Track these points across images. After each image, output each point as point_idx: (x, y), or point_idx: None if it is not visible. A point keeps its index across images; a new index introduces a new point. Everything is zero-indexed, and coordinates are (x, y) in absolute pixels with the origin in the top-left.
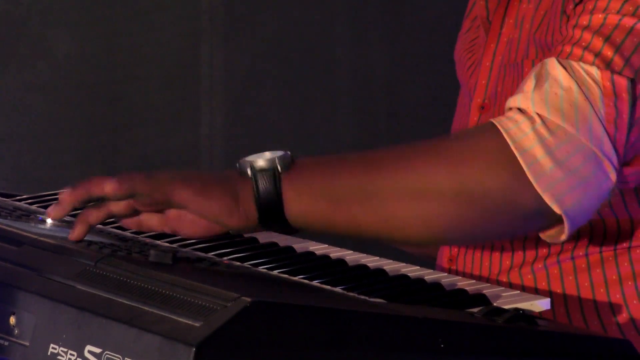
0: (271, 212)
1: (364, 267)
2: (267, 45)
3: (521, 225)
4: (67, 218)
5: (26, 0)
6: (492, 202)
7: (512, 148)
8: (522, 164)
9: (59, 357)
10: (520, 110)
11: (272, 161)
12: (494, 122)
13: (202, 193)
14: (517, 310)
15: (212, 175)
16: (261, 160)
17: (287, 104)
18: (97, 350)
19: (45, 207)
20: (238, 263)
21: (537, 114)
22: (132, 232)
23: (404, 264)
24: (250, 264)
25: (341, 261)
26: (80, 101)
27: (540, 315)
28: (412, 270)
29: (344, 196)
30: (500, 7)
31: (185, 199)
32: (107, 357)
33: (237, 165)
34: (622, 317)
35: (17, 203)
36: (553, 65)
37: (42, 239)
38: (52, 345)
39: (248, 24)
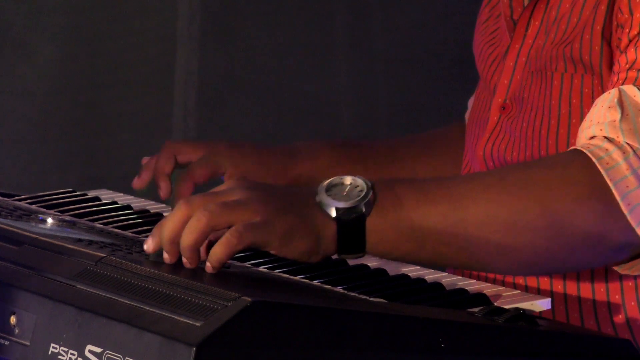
0: (353, 252)
1: (364, 267)
2: (243, 51)
3: (606, 257)
4: (67, 218)
5: (11, 5)
6: (582, 235)
7: (605, 178)
8: (615, 195)
9: (60, 357)
10: (607, 139)
11: (356, 202)
12: (583, 150)
13: (287, 241)
14: (517, 310)
15: (297, 212)
16: (345, 202)
17: (261, 111)
18: (98, 349)
19: (46, 207)
20: (238, 263)
21: (628, 143)
22: (132, 232)
23: (404, 263)
24: (250, 264)
25: (341, 261)
26: (60, 106)
27: (541, 315)
28: (412, 270)
29: (430, 237)
30: (527, 9)
31: (270, 246)
32: (107, 357)
33: (317, 197)
34: (619, 318)
35: (18, 203)
36: (634, 93)
37: (42, 238)
38: (52, 344)
39: (224, 30)
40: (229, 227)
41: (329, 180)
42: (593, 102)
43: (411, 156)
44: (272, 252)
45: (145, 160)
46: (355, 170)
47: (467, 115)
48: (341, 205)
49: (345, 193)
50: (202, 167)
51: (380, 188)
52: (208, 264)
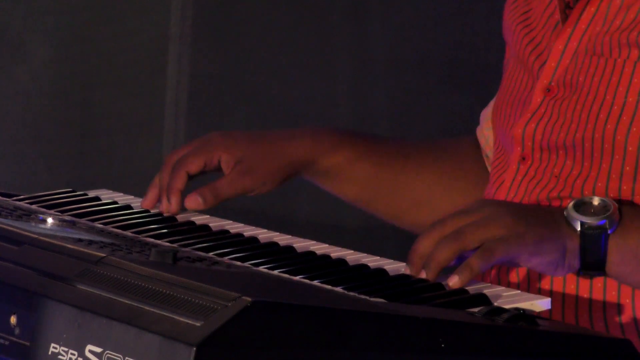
0: (594, 268)
1: (364, 267)
2: (236, 52)
3: None
4: (67, 218)
5: (7, 6)
6: None
7: None
8: None
9: (60, 357)
10: None
11: (600, 219)
12: None
13: (535, 253)
14: (517, 310)
15: (544, 224)
16: (591, 218)
17: (254, 112)
18: (98, 349)
19: (46, 207)
20: (239, 263)
21: None
22: (132, 232)
23: (405, 263)
24: (250, 264)
25: (342, 261)
26: (53, 106)
27: (540, 315)
28: None
29: None
30: None
31: (520, 258)
32: (107, 357)
33: (565, 212)
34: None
35: (18, 203)
36: None
37: (42, 238)
38: (52, 344)
39: (217, 31)
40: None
41: (580, 198)
42: None
43: (418, 158)
44: (520, 264)
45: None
46: (359, 160)
47: (478, 130)
48: (586, 220)
49: (592, 211)
50: (194, 155)
51: (627, 211)
52: (456, 276)
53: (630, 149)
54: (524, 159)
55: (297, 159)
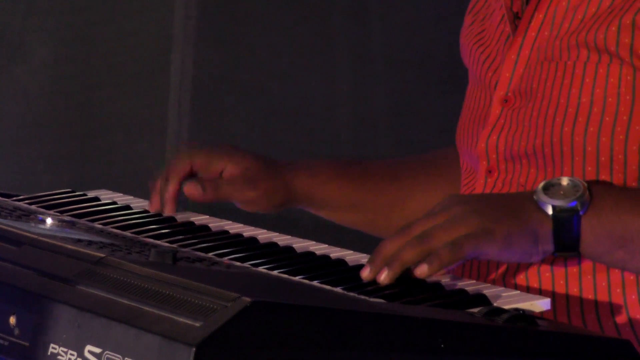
0: (567, 250)
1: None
2: (239, 52)
3: None
4: (67, 218)
5: (7, 5)
6: None
7: None
8: None
9: (59, 357)
10: None
11: (571, 200)
12: None
13: (506, 247)
14: (517, 310)
15: (513, 216)
16: (561, 200)
17: (257, 112)
18: (97, 350)
19: (45, 207)
20: (238, 263)
21: None
22: (132, 232)
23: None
24: (250, 264)
25: (341, 261)
26: (54, 107)
27: (541, 315)
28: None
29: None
30: (532, 3)
31: (491, 253)
32: (107, 357)
33: (534, 196)
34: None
35: (17, 203)
36: None
37: (42, 239)
38: (52, 345)
39: (220, 31)
40: None
41: (548, 180)
42: (618, 91)
43: (410, 176)
44: (492, 258)
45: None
46: (354, 189)
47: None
48: (557, 203)
49: (562, 192)
50: (202, 153)
51: (597, 189)
52: (425, 265)
53: (589, 149)
54: (490, 172)
55: (294, 187)
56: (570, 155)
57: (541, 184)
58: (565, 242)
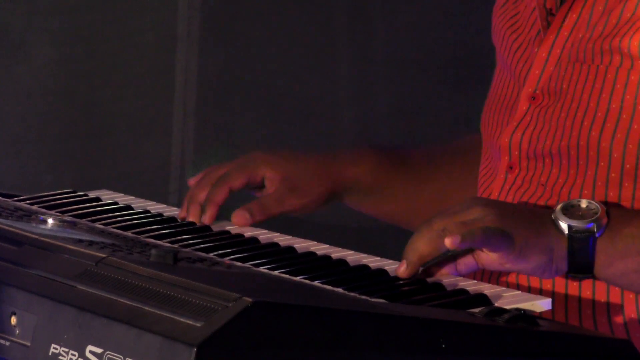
0: (581, 270)
1: (365, 268)
2: (243, 51)
3: None
4: (68, 218)
5: (8, 5)
6: None
7: None
8: None
9: (60, 357)
10: None
11: (588, 222)
12: None
13: (522, 257)
14: (518, 310)
15: (531, 227)
16: (579, 221)
17: (261, 111)
18: (98, 350)
19: (46, 207)
20: (239, 263)
21: None
22: (133, 233)
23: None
24: (251, 264)
25: (342, 261)
26: (58, 107)
27: (541, 315)
28: None
29: None
30: (567, 2)
31: (507, 258)
32: (108, 357)
33: (552, 215)
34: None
35: (18, 203)
36: None
37: (43, 239)
38: (53, 345)
39: (224, 31)
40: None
41: (568, 201)
42: None
43: (447, 162)
44: (507, 265)
45: (191, 181)
46: (396, 174)
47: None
48: (574, 223)
49: (580, 214)
50: (238, 172)
51: (615, 213)
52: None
53: (615, 155)
54: (511, 168)
55: (341, 179)
56: (595, 160)
57: (560, 204)
58: (580, 263)
